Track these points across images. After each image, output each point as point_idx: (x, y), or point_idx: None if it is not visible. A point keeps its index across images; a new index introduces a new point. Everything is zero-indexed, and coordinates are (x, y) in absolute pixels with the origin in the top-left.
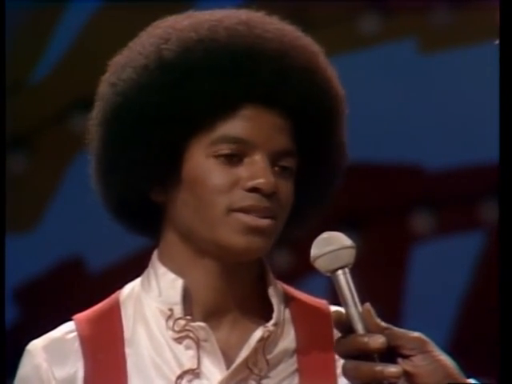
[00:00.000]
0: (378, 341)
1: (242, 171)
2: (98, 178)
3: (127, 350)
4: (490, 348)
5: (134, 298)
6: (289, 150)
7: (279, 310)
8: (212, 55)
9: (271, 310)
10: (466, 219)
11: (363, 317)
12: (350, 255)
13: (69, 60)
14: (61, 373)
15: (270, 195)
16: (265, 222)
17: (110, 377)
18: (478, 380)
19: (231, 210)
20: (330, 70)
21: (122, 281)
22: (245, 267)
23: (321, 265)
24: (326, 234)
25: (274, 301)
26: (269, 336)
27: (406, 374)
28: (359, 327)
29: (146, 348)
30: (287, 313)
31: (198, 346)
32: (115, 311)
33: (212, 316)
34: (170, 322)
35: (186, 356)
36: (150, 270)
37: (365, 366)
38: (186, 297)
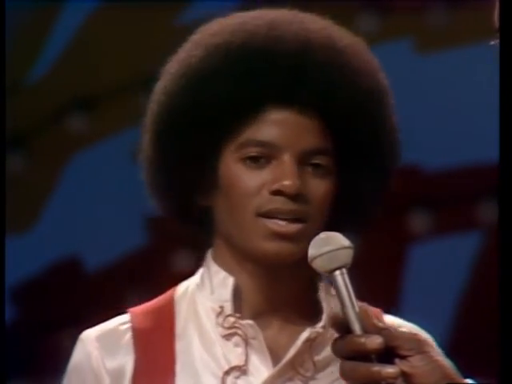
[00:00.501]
0: (375, 341)
1: (268, 174)
2: (150, 186)
3: (177, 346)
4: (487, 348)
5: (189, 295)
6: (319, 148)
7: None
8: (228, 59)
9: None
10: (464, 219)
11: (360, 317)
12: (347, 255)
13: (66, 60)
14: (111, 363)
15: (295, 197)
16: (294, 228)
17: (159, 371)
18: (475, 380)
19: (259, 214)
20: (363, 64)
21: (118, 281)
22: (291, 270)
23: (318, 265)
24: (323, 235)
25: (325, 304)
26: (316, 337)
27: (404, 375)
28: (356, 328)
29: (196, 344)
30: None
31: (247, 344)
32: (169, 307)
33: (261, 315)
34: (220, 319)
35: (234, 353)
36: (204, 269)
37: (362, 367)
38: (237, 295)
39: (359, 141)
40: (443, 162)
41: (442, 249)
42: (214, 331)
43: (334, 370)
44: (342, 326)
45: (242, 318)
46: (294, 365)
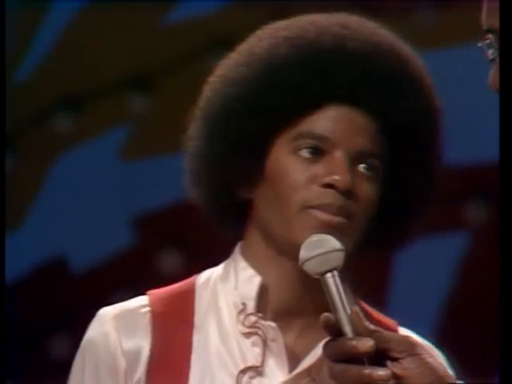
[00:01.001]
0: (366, 344)
1: (319, 168)
2: (192, 175)
3: (195, 336)
4: (473, 348)
5: (211, 286)
6: (371, 151)
7: None
8: (298, 52)
9: None
10: (451, 219)
11: (352, 320)
12: (339, 258)
13: (52, 60)
14: (128, 344)
15: (345, 193)
16: (336, 219)
17: (174, 359)
18: (464, 381)
19: (306, 207)
20: (424, 79)
21: (104, 281)
22: None
23: (309, 267)
24: (315, 237)
25: None
26: None
27: (395, 377)
28: (348, 330)
29: (214, 337)
30: None
31: (265, 345)
32: (189, 296)
33: (283, 317)
34: (241, 316)
35: (252, 352)
36: (230, 262)
37: (353, 370)
38: (261, 294)
39: (413, 152)
40: None
41: (428, 248)
42: (232, 326)
43: None
44: (333, 328)
45: (264, 318)
46: (311, 372)
